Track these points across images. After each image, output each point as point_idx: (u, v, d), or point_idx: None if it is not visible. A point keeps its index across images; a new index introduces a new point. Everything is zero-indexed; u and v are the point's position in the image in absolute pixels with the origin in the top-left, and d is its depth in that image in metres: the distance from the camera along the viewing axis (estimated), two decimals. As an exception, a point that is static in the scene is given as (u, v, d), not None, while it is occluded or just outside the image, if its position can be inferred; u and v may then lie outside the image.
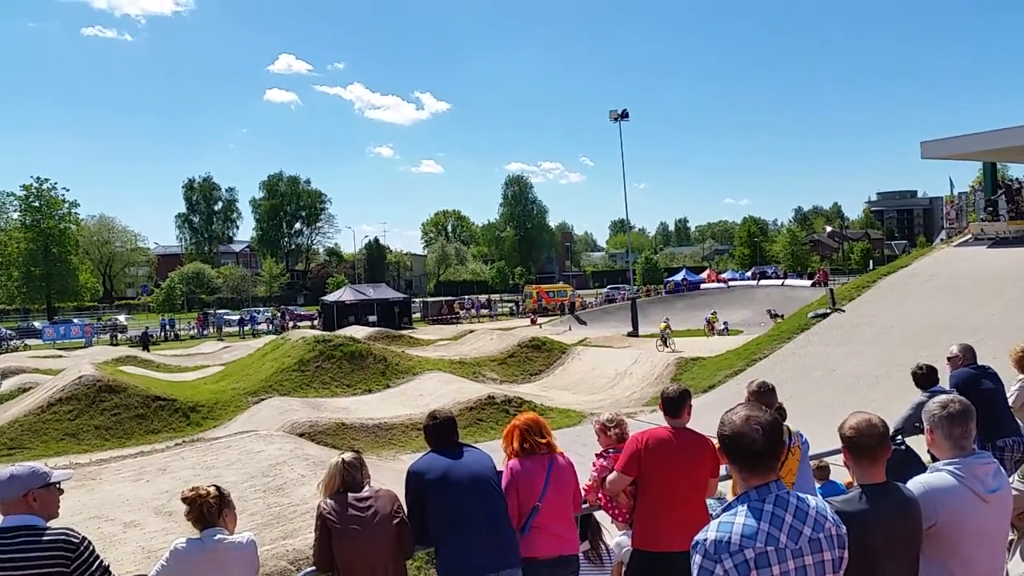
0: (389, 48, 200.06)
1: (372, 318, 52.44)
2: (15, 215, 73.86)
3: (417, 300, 73.15)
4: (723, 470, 4.57)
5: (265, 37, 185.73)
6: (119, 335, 53.72)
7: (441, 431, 4.46)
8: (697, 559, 2.50)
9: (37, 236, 70.35)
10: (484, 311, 67.35)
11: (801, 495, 2.62)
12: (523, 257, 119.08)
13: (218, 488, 3.98)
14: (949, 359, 6.87)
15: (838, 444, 3.09)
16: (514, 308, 69.87)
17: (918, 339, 16.87)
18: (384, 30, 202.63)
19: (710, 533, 2.50)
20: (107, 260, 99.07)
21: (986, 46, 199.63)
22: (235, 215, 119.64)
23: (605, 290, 75.83)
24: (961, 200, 30.06)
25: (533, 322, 53.27)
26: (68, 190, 77.29)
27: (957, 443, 3.17)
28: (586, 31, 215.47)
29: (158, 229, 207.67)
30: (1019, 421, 6.53)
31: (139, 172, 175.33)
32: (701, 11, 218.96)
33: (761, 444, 2.54)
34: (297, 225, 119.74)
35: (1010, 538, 3.61)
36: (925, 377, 6.55)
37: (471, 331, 40.31)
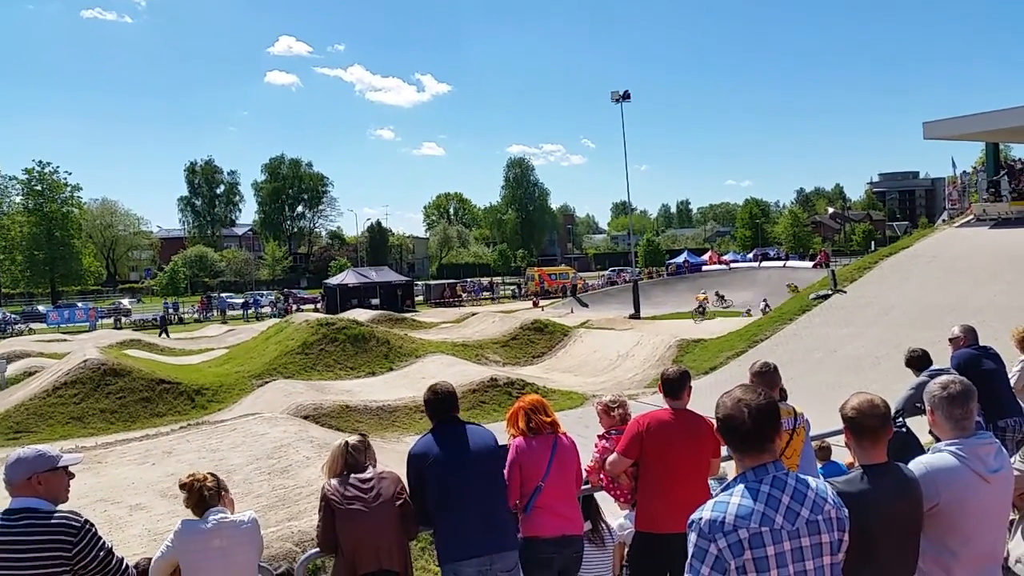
0: (389, 30, 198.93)
1: (375, 301, 52.48)
2: (18, 199, 73.98)
3: (420, 283, 73.20)
4: (725, 451, 4.59)
5: (265, 19, 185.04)
6: (123, 319, 53.84)
7: (442, 405, 4.45)
8: (692, 538, 2.52)
9: (40, 220, 70.39)
10: (486, 294, 67.39)
11: (801, 476, 2.63)
12: (525, 240, 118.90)
13: (214, 475, 4.03)
14: (951, 340, 6.87)
15: (839, 425, 3.10)
16: (516, 291, 69.88)
17: (920, 320, 16.89)
18: (384, 11, 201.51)
19: (705, 512, 2.52)
20: (110, 244, 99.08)
21: (989, 26, 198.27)
22: (237, 198, 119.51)
23: (607, 272, 75.72)
24: (963, 181, 29.95)
25: (535, 304, 53.26)
26: (70, 173, 77.54)
27: (958, 424, 3.17)
28: (587, 12, 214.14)
29: (161, 212, 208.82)
30: (1020, 402, 6.54)
31: (141, 155, 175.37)
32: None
33: (750, 425, 2.55)
34: (299, 208, 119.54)
35: (1011, 518, 3.63)
36: (919, 360, 6.58)
37: (473, 314, 40.37)
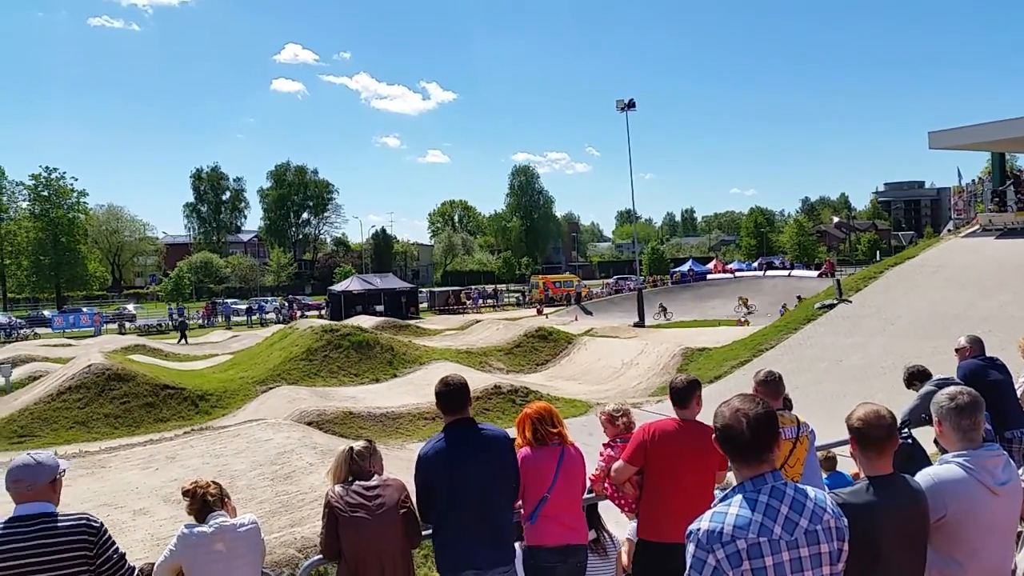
0: (395, 38, 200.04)
1: (379, 308, 52.57)
2: (24, 204, 74.19)
3: (424, 290, 73.31)
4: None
5: (271, 27, 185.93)
6: (128, 324, 53.93)
7: (454, 397, 4.35)
8: (691, 548, 2.51)
9: (46, 225, 70.64)
10: (489, 301, 67.41)
11: (799, 486, 2.62)
12: (529, 247, 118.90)
13: (217, 482, 4.03)
14: (957, 350, 6.84)
15: (845, 435, 3.09)
16: (520, 298, 69.87)
17: (925, 330, 16.84)
18: (390, 19, 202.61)
19: (703, 523, 2.51)
20: (116, 249, 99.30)
21: (995, 35, 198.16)
22: (243, 205, 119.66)
23: (611, 280, 75.71)
24: (969, 191, 29.91)
25: (540, 312, 53.22)
26: (77, 179, 77.93)
27: (966, 435, 3.15)
28: (593, 21, 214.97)
29: (166, 219, 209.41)
30: (1027, 413, 6.51)
31: (147, 162, 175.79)
32: (707, 1, 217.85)
33: (748, 436, 2.54)
34: (304, 215, 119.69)
35: (1019, 530, 3.60)
36: (920, 375, 6.55)
37: (478, 321, 40.35)
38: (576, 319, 46.15)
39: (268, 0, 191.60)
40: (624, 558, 5.05)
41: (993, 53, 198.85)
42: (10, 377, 24.98)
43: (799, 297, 37.15)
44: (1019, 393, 6.68)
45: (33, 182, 71.58)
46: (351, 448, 4.31)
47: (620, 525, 5.43)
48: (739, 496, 2.53)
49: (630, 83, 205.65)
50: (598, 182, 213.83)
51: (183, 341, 42.28)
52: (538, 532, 4.41)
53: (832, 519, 2.58)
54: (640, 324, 40.21)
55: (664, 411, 4.81)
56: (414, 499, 4.28)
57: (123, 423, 18.54)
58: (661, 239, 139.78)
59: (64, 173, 72.60)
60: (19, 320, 55.32)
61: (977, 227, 25.29)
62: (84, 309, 62.25)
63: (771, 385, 4.96)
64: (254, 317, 56.73)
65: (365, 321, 35.37)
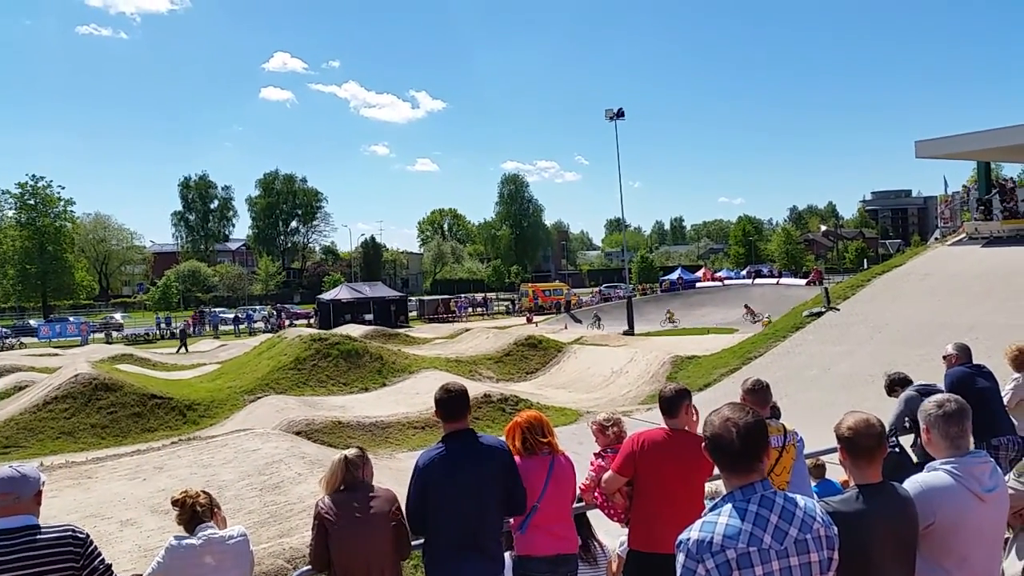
0: (384, 46, 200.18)
1: (368, 316, 52.43)
2: (10, 213, 73.75)
3: (413, 298, 73.20)
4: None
5: (260, 35, 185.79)
6: (114, 333, 53.61)
7: (454, 404, 4.31)
8: (680, 558, 2.51)
9: (33, 234, 70.26)
10: (479, 309, 67.35)
11: (789, 495, 2.62)
12: (519, 256, 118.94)
13: (207, 492, 4.01)
14: (944, 357, 6.88)
15: (833, 443, 3.10)
16: (510, 307, 69.83)
17: (912, 338, 16.93)
18: (379, 28, 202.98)
19: (693, 533, 2.51)
20: (103, 258, 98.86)
21: (981, 45, 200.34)
22: (231, 213, 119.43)
23: (600, 288, 75.82)
24: (955, 199, 30.13)
25: (529, 320, 53.19)
26: (64, 188, 77.88)
27: (953, 442, 3.17)
28: (582, 30, 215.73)
29: (154, 227, 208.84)
30: (1014, 420, 6.55)
31: (135, 170, 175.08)
32: (695, 10, 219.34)
33: (738, 445, 2.55)
34: (293, 223, 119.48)
35: (1006, 536, 3.62)
36: (902, 382, 6.64)
37: (467, 329, 40.31)
38: (566, 327, 46.17)
39: (257, 8, 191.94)
40: (613, 568, 5.06)
41: (979, 63, 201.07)
42: (-5, 387, 24.77)
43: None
44: (1006, 400, 6.73)
45: (19, 190, 71.20)
46: (345, 456, 4.28)
47: (610, 534, 5.43)
48: (728, 506, 2.53)
49: (619, 92, 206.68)
50: (587, 191, 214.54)
51: (183, 349, 42.22)
52: (528, 542, 4.39)
53: (822, 528, 2.58)
54: (630, 332, 40.26)
55: (654, 419, 4.82)
56: (405, 509, 4.26)
57: (110, 433, 18.40)
58: (650, 247, 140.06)
59: (51, 182, 72.38)
60: (5, 329, 54.81)
61: (963, 236, 25.46)
62: (71, 318, 61.84)
63: (759, 394, 4.97)
64: (242, 326, 56.45)
65: (354, 330, 35.26)
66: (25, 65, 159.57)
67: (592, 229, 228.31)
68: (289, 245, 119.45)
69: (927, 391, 6.01)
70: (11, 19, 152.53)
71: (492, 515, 4.24)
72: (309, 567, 4.25)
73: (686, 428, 4.57)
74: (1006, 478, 3.62)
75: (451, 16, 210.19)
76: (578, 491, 4.84)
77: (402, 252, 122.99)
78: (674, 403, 4.58)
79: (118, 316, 65.97)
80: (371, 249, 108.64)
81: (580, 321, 50.57)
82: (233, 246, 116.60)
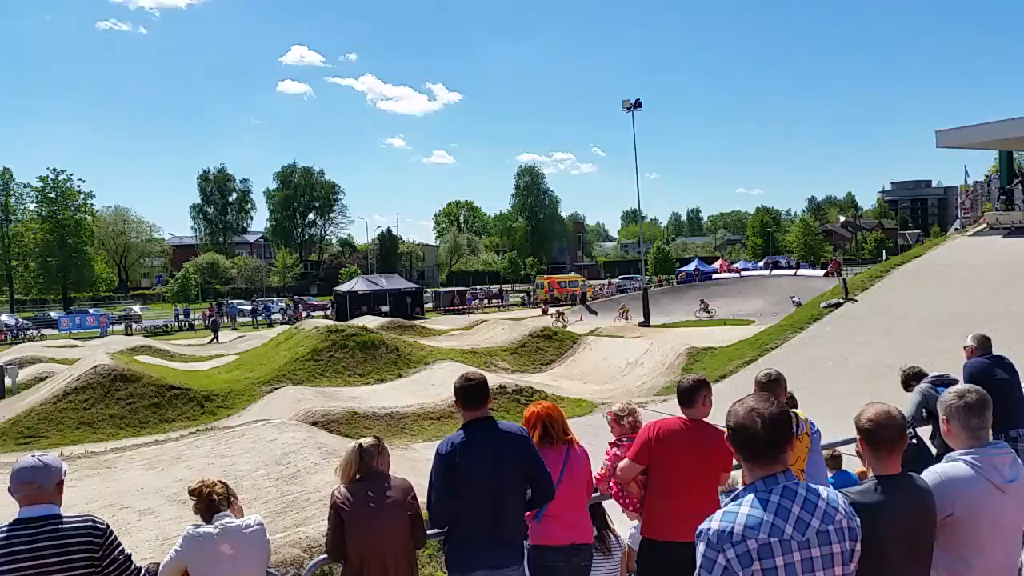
0: (401, 39, 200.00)
1: (384, 308, 52.63)
2: (32, 206, 74.64)
3: (429, 290, 73.32)
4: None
5: (277, 29, 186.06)
6: (134, 325, 54.10)
7: (474, 393, 4.33)
8: (701, 548, 2.50)
9: (53, 227, 71.01)
10: (495, 301, 67.44)
11: (812, 486, 2.60)
12: (535, 247, 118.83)
13: (224, 482, 4.03)
14: (964, 348, 6.82)
15: (851, 434, 3.06)
16: (526, 298, 69.83)
17: (932, 329, 16.76)
18: (396, 21, 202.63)
19: (714, 522, 2.50)
20: (122, 251, 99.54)
21: (1003, 34, 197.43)
22: (249, 206, 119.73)
23: (616, 280, 75.65)
24: (976, 189, 29.80)
25: (545, 312, 53.13)
26: (84, 181, 78.29)
27: (974, 433, 3.14)
28: (599, 21, 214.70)
29: (173, 220, 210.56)
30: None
31: (154, 164, 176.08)
32: (714, 1, 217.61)
33: (763, 436, 2.53)
34: (311, 216, 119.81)
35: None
36: (917, 376, 6.58)
37: (483, 321, 40.35)
38: (581, 319, 46.15)
39: (274, 2, 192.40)
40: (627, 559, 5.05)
41: (1001, 52, 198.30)
42: (17, 378, 25.08)
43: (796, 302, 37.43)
44: (1026, 391, 6.65)
45: (40, 184, 72.01)
46: (360, 444, 4.29)
47: (625, 526, 5.42)
48: (751, 496, 2.52)
49: (636, 83, 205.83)
50: (604, 182, 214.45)
51: (215, 340, 42.57)
52: (544, 532, 4.40)
53: (844, 519, 2.57)
54: (645, 323, 40.18)
55: (670, 410, 4.80)
56: (421, 499, 4.27)
57: (129, 424, 18.59)
58: (667, 239, 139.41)
59: (71, 175, 73.17)
60: (26, 321, 55.45)
61: (984, 226, 25.18)
62: (90, 310, 62.36)
63: (771, 386, 4.91)
64: (260, 318, 56.78)
65: (370, 321, 35.42)
66: (46, 60, 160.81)
67: (608, 221, 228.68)
68: (306, 237, 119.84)
69: (943, 383, 5.96)
70: (32, 15, 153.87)
71: (513, 502, 4.23)
72: (325, 556, 4.27)
73: (703, 419, 4.56)
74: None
75: (467, 9, 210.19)
76: (593, 482, 4.84)
77: (418, 244, 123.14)
78: (692, 393, 4.55)
79: (137, 308, 66.46)
80: (387, 241, 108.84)
81: (595, 312, 50.52)
82: (251, 238, 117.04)
